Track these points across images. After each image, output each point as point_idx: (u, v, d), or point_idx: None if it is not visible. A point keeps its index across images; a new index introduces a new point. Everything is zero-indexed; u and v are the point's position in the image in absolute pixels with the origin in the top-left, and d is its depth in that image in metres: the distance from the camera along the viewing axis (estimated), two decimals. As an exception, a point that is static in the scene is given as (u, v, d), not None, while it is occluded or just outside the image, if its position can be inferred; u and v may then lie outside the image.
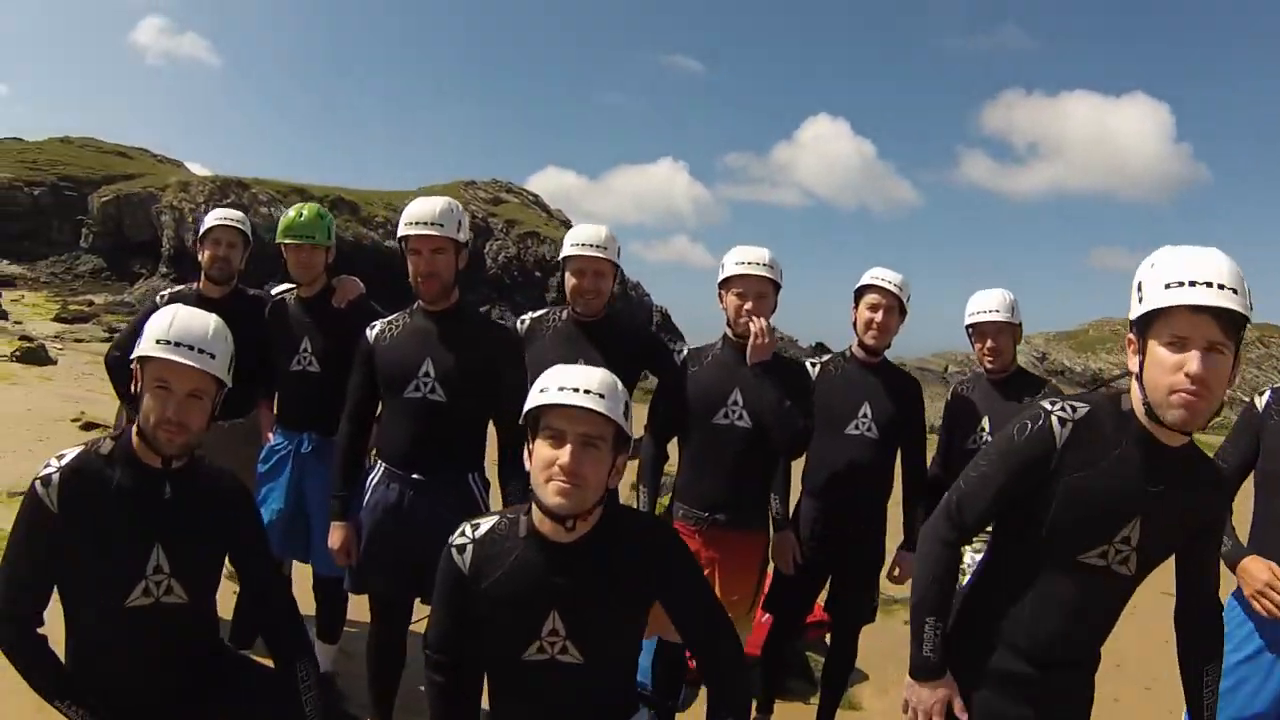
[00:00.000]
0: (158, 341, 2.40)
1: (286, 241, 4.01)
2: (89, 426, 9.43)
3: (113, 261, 43.52)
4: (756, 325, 3.50)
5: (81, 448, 2.50)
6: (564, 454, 2.13)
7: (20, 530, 2.41)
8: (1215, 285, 1.95)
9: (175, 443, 2.43)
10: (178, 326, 2.43)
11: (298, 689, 2.66)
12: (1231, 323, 1.97)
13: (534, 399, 2.19)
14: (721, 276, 3.70)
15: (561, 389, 2.15)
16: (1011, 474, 2.27)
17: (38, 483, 2.39)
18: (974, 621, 2.43)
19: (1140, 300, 2.05)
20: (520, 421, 2.26)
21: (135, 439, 2.48)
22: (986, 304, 3.99)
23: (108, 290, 39.21)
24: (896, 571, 4.13)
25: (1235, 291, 1.95)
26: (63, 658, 2.51)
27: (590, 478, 2.16)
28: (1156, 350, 2.03)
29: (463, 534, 2.37)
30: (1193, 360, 1.96)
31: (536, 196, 58.58)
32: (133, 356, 2.46)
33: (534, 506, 2.27)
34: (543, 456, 2.17)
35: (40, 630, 2.48)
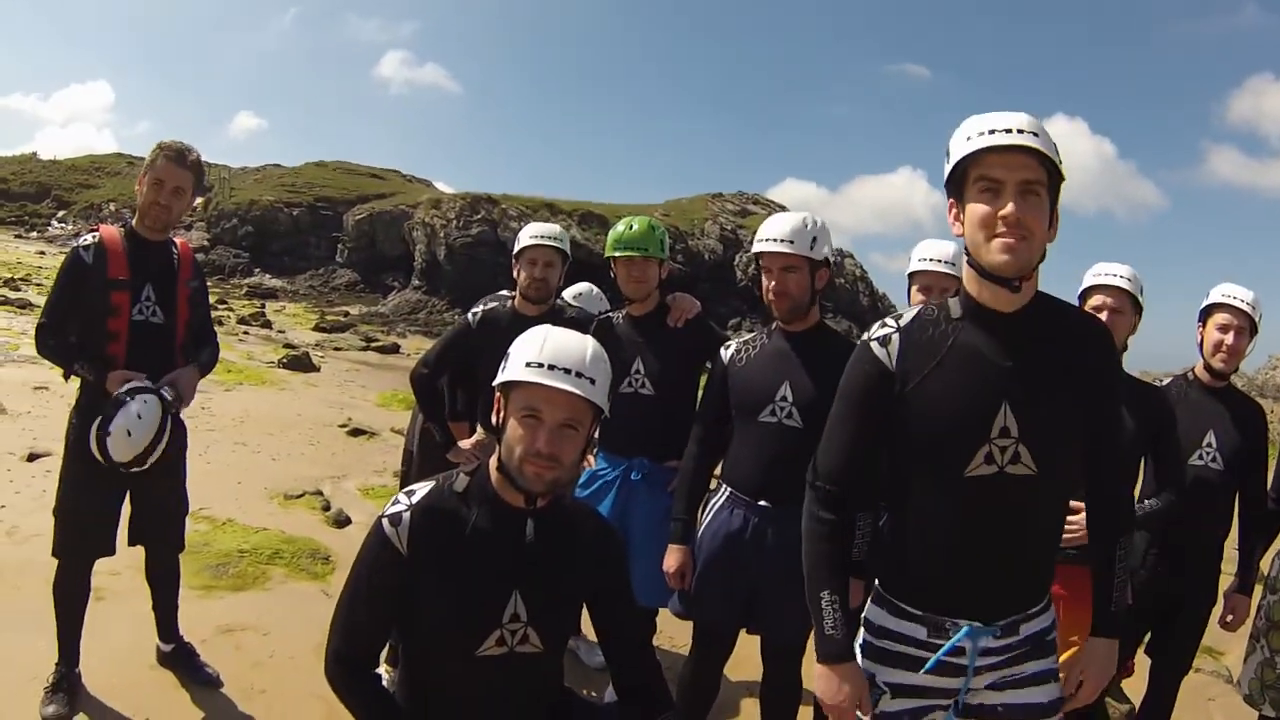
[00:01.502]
0: (528, 365, 2.11)
1: (616, 255, 3.80)
2: (356, 433, 9.69)
3: (366, 275, 45.74)
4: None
5: (433, 483, 2.26)
6: (1006, 205, 1.96)
7: (363, 570, 2.20)
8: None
9: (545, 479, 2.14)
10: (550, 348, 2.14)
11: None
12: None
13: (966, 146, 2.00)
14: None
15: (994, 131, 1.97)
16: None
17: (385, 521, 2.17)
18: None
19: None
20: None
21: (494, 474, 2.23)
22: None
23: (362, 302, 41.32)
24: (1230, 618, 3.81)
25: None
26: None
27: (1035, 228, 1.98)
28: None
29: (885, 330, 2.17)
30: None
31: (783, 207, 58.16)
32: (496, 383, 2.19)
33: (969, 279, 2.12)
34: (981, 213, 1.99)
35: (377, 671, 2.30)
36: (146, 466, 3.46)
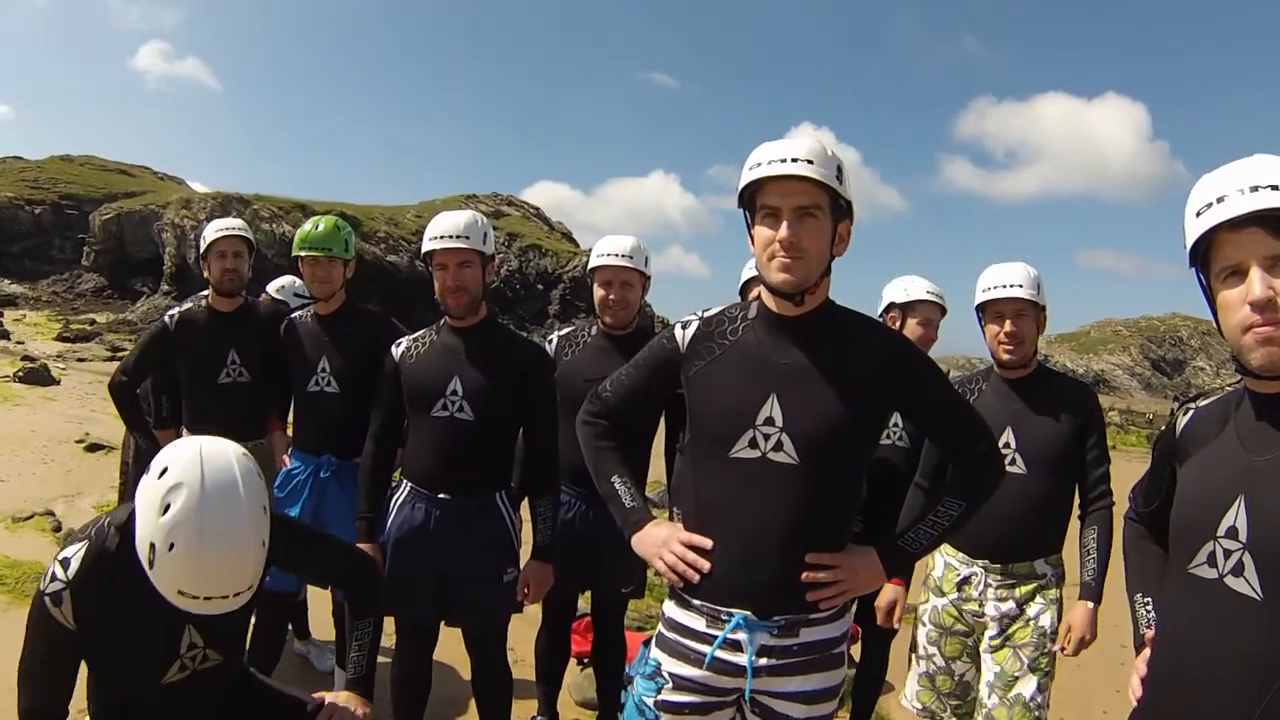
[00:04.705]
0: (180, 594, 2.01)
1: (302, 254, 3.84)
2: (94, 448, 9.30)
3: (114, 279, 43.36)
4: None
5: (84, 545, 2.18)
6: (782, 229, 2.08)
7: (37, 640, 2.21)
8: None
9: None
10: (205, 578, 1.99)
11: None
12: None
13: (748, 176, 2.13)
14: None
15: (771, 162, 2.08)
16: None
17: (47, 600, 2.14)
18: None
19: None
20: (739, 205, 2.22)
21: None
22: (1004, 278, 3.25)
23: (109, 309, 39.08)
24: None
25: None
26: None
27: (811, 249, 2.11)
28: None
29: (690, 318, 2.36)
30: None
31: (537, 209, 58.35)
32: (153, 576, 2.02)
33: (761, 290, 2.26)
34: (763, 236, 2.14)
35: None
36: None
